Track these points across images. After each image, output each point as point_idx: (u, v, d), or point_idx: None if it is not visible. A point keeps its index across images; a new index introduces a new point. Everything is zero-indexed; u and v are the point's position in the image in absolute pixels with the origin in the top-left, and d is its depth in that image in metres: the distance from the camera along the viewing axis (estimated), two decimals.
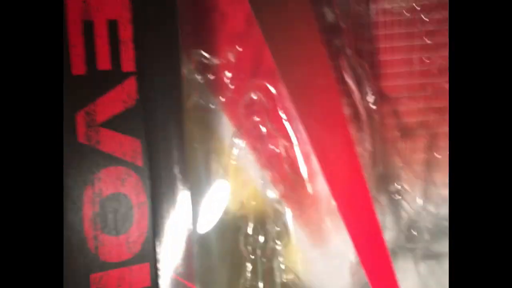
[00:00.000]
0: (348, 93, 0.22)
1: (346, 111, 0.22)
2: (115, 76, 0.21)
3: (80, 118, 0.21)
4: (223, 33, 0.21)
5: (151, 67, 0.21)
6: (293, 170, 0.22)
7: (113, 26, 0.21)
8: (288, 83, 0.20)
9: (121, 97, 0.21)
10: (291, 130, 0.21)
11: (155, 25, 0.21)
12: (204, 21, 0.21)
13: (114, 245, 0.21)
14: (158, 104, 0.21)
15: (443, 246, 0.24)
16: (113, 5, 0.21)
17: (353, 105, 0.22)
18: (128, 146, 0.21)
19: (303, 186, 0.22)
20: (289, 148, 0.22)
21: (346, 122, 0.20)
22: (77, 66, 0.21)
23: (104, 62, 0.21)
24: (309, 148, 0.21)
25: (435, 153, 0.24)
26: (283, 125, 0.21)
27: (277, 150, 0.22)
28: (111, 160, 0.21)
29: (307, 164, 0.22)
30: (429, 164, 0.24)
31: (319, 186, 0.22)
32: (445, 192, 0.24)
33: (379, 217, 0.22)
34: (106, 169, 0.21)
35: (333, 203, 0.21)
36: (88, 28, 0.21)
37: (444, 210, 0.24)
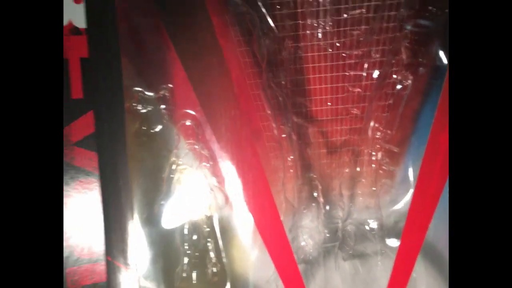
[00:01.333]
0: (267, 119, 0.26)
1: (264, 134, 0.26)
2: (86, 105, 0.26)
3: None
4: (158, 74, 0.25)
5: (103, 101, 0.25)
6: (219, 183, 0.26)
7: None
8: (207, 114, 0.25)
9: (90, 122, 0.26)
10: (216, 149, 0.26)
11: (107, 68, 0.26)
12: (143, 65, 0.25)
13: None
14: (107, 131, 0.25)
15: (364, 247, 0.28)
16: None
17: (272, 128, 0.26)
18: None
19: (226, 196, 0.26)
20: (215, 165, 0.26)
21: (253, 143, 0.25)
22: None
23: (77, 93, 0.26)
24: (229, 165, 0.26)
25: (357, 168, 0.28)
26: (210, 145, 0.26)
27: (208, 165, 0.26)
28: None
29: (227, 178, 0.26)
30: (351, 177, 0.28)
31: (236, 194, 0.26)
32: (363, 199, 0.27)
33: (302, 222, 0.26)
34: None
35: (246, 207, 0.25)
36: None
37: (363, 216, 0.28)
